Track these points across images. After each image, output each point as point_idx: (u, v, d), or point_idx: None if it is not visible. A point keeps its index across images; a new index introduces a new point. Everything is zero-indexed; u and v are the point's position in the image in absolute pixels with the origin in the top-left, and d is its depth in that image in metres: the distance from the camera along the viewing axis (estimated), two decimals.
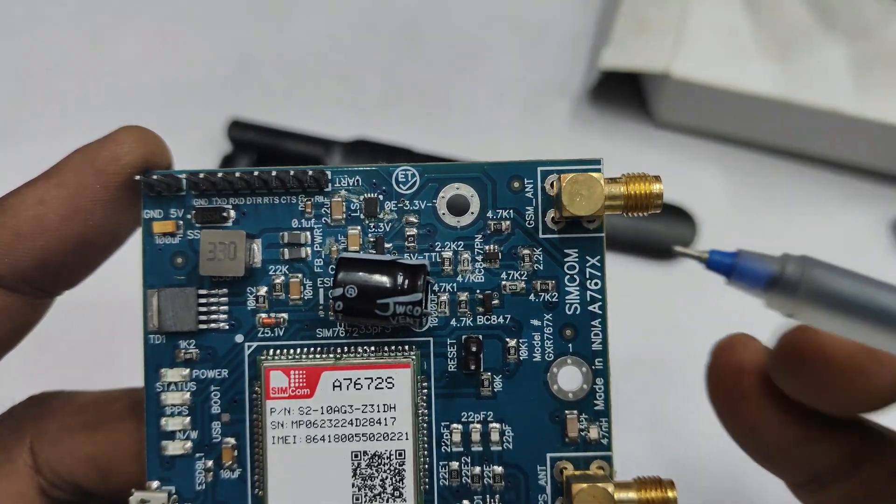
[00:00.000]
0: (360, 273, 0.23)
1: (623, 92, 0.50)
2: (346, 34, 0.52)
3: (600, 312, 0.24)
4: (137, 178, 0.23)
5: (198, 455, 0.24)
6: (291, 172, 0.24)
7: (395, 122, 0.49)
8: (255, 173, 0.24)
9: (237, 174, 0.24)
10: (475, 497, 0.24)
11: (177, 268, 0.24)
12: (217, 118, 0.48)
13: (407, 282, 0.23)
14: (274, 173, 0.24)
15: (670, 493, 0.23)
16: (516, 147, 0.49)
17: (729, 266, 0.19)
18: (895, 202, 0.47)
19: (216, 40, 0.52)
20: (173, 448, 0.24)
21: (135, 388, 0.27)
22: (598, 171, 0.24)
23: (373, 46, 0.52)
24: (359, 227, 0.24)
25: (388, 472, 0.24)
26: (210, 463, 0.24)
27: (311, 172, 0.24)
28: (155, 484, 0.24)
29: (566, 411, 0.24)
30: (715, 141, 0.49)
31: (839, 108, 0.44)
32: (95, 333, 0.39)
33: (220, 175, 0.24)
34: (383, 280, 0.23)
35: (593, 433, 0.24)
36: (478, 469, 0.24)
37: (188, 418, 0.24)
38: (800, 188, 0.47)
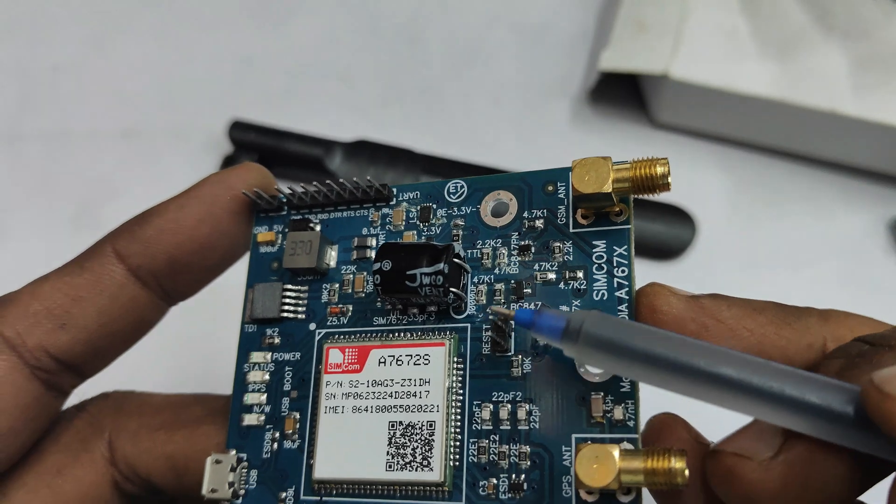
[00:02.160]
0: (395, 250, 0.26)
1: (622, 93, 0.49)
2: (346, 35, 0.52)
3: (627, 297, 0.25)
4: (244, 192, 0.29)
5: (268, 426, 0.28)
6: (367, 180, 0.28)
7: (395, 123, 0.49)
8: (337, 184, 0.29)
9: (321, 186, 0.29)
10: (501, 475, 0.25)
11: (272, 271, 0.30)
12: (218, 119, 0.48)
13: (431, 255, 0.26)
14: (343, 194, 0.29)
15: (676, 464, 0.22)
16: (516, 148, 0.48)
17: (530, 321, 0.24)
18: (893, 202, 0.45)
19: (217, 42, 0.52)
20: (249, 419, 0.28)
21: (206, 394, 0.30)
22: None
23: (373, 48, 0.51)
24: (414, 231, 0.28)
25: (419, 441, 0.25)
26: (277, 434, 0.28)
27: (377, 185, 0.28)
28: (232, 452, 0.28)
29: (592, 393, 0.25)
30: (714, 142, 0.48)
31: (837, 109, 0.44)
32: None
33: (310, 189, 0.29)
34: (412, 253, 0.26)
35: (618, 414, 0.24)
36: (505, 447, 0.25)
37: (265, 395, 0.28)
38: (798, 189, 0.46)
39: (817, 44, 0.46)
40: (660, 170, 0.24)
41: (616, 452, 0.22)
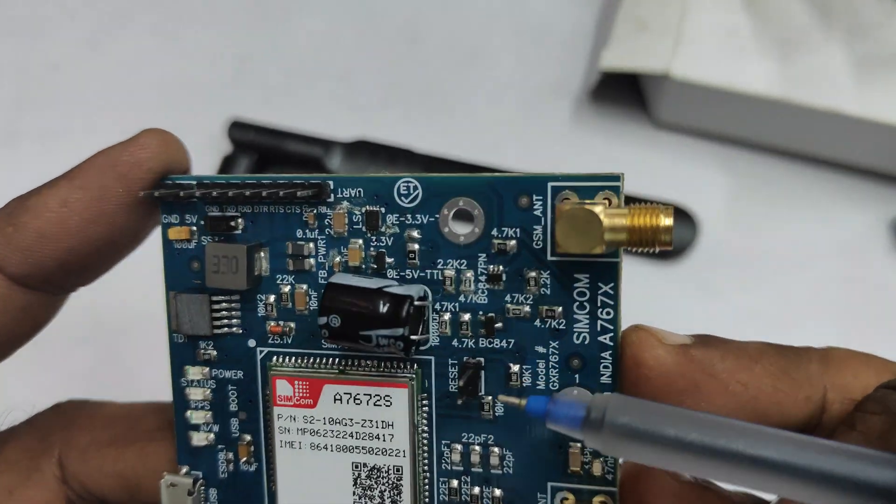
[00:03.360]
0: (345, 301, 0.22)
1: (623, 92, 0.48)
2: (346, 34, 0.51)
3: (611, 344, 0.22)
4: (142, 194, 0.24)
5: (219, 447, 0.26)
6: (283, 189, 0.23)
7: (395, 123, 0.48)
8: (254, 183, 0.23)
9: (237, 185, 0.24)
10: None
11: (193, 272, 0.25)
12: (217, 119, 0.47)
13: (389, 313, 0.22)
14: (265, 193, 0.23)
15: (664, 221, 0.20)
16: (516, 148, 0.48)
17: (543, 412, 0.21)
18: (895, 202, 0.46)
19: (216, 40, 0.51)
20: (198, 439, 0.26)
21: (162, 402, 0.28)
22: (616, 188, 0.21)
23: (373, 46, 0.50)
24: (360, 241, 0.24)
25: (387, 485, 0.24)
26: (231, 455, 0.26)
27: (310, 182, 0.23)
28: (184, 469, 0.26)
29: (569, 444, 0.23)
30: (715, 141, 0.47)
31: (839, 108, 0.44)
32: (114, 334, 0.42)
33: (223, 186, 0.24)
34: (366, 311, 0.22)
35: (596, 469, 0.23)
36: (477, 489, 0.24)
37: (210, 413, 0.26)
38: (800, 188, 0.46)
39: (819, 43, 0.45)
40: (665, 221, 0.20)
41: (598, 209, 0.20)
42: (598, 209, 0.20)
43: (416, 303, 0.22)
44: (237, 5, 0.53)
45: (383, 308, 0.22)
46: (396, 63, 0.50)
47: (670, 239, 0.20)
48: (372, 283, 0.23)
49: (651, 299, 0.43)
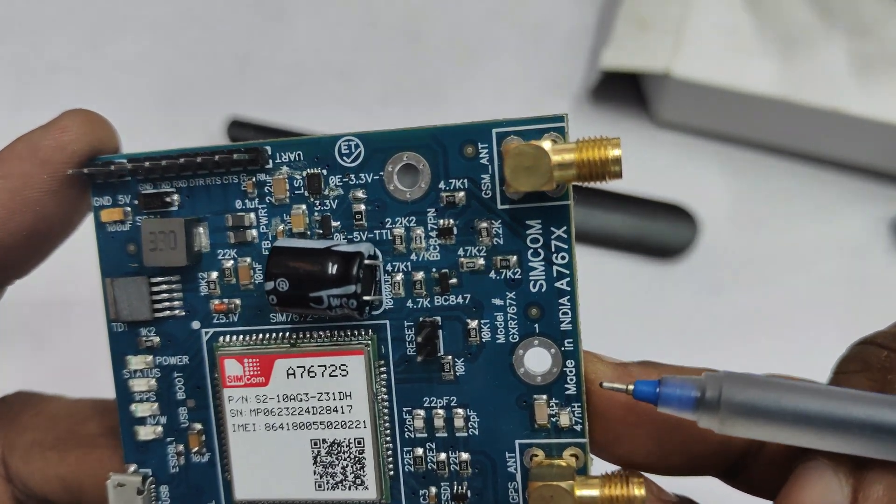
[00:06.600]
0: (291, 264, 0.21)
1: (624, 92, 0.49)
2: (346, 33, 0.51)
3: (568, 289, 0.22)
4: (70, 171, 0.23)
5: (168, 439, 0.24)
6: (218, 155, 0.22)
7: (395, 121, 0.48)
8: (181, 159, 0.22)
9: (170, 157, 0.23)
10: (442, 483, 0.23)
11: (129, 255, 0.24)
12: (217, 117, 0.47)
13: (339, 272, 0.21)
14: (199, 160, 0.22)
15: (637, 491, 0.21)
16: None
17: (653, 395, 0.20)
18: (895, 202, 0.46)
19: (216, 39, 0.51)
20: (145, 433, 0.24)
21: (107, 399, 0.26)
22: (562, 129, 0.21)
23: (373, 45, 0.51)
24: (303, 206, 0.23)
25: (349, 460, 0.23)
26: (181, 447, 0.24)
27: (243, 149, 0.22)
28: (132, 467, 0.25)
29: (534, 396, 0.22)
30: (716, 140, 0.48)
31: (840, 108, 0.44)
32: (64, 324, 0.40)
33: (155, 158, 0.23)
34: (314, 271, 0.21)
35: (564, 420, 0.22)
36: (443, 455, 0.23)
37: (156, 404, 0.24)
38: (801, 187, 0.46)
39: (820, 42, 0.45)
40: (613, 152, 0.20)
41: (568, 486, 0.21)
42: (545, 144, 0.20)
43: (366, 261, 0.21)
44: (237, 5, 0.52)
45: (332, 266, 0.21)
46: (397, 62, 0.50)
47: (620, 169, 0.20)
48: (318, 243, 0.22)
49: (651, 299, 0.44)
